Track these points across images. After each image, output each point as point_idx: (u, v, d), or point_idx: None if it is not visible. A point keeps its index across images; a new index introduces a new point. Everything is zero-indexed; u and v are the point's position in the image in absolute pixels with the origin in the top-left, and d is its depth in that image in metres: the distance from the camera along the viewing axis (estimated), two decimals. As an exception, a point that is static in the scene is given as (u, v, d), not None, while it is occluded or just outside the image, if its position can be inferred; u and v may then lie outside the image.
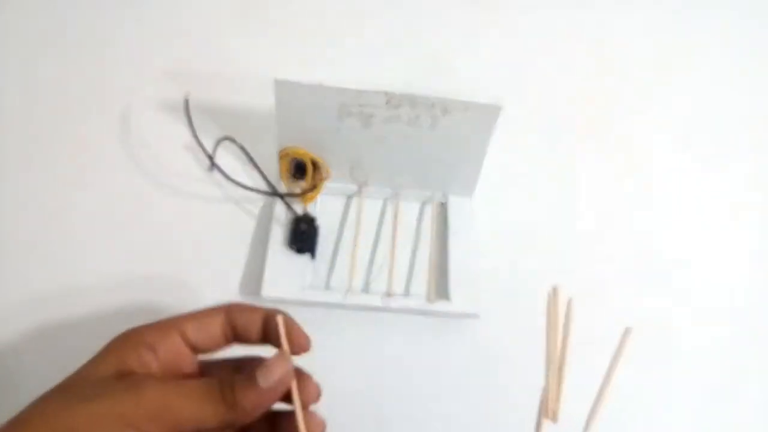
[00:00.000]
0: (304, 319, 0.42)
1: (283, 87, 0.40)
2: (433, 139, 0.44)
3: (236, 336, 0.30)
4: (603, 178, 0.55)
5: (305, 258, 0.44)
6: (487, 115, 0.42)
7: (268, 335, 0.30)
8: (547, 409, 0.41)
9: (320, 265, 0.46)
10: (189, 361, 0.30)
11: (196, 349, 0.30)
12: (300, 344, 0.30)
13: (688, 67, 0.65)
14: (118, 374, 0.27)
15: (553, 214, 0.51)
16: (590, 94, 0.61)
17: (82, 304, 0.42)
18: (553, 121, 0.58)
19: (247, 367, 0.30)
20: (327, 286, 0.45)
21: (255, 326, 0.30)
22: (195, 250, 0.46)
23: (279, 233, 0.45)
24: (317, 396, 0.30)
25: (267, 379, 0.27)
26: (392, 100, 0.41)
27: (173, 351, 0.29)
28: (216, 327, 0.30)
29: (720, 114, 0.62)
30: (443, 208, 0.49)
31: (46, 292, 0.43)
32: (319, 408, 0.29)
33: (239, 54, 0.59)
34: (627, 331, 0.44)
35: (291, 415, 0.28)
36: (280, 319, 0.29)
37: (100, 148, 0.51)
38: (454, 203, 0.49)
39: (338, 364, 0.42)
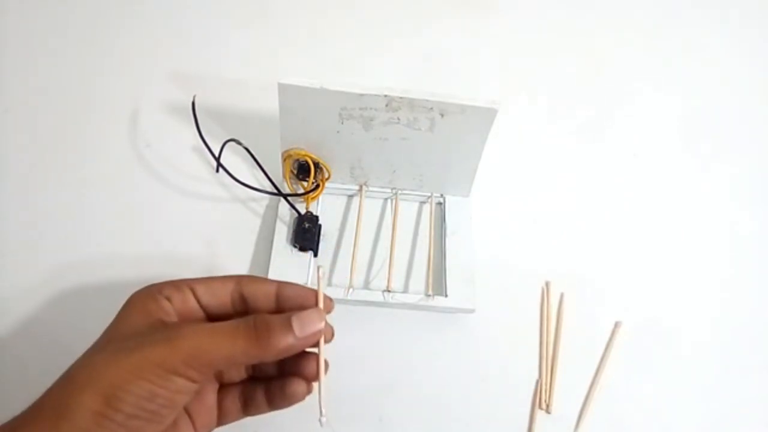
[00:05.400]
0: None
1: (286, 90, 0.41)
2: (432, 140, 0.44)
3: (246, 306, 0.31)
4: (596, 176, 0.55)
5: (308, 255, 0.45)
6: (483, 117, 0.42)
7: (282, 306, 0.31)
8: (540, 401, 0.42)
9: (322, 262, 0.46)
10: (201, 319, 0.30)
11: (206, 312, 0.30)
12: (326, 304, 0.31)
13: (685, 64, 0.66)
14: (150, 326, 0.28)
15: (547, 212, 0.52)
16: (585, 95, 0.62)
17: (90, 304, 0.43)
18: (549, 121, 0.59)
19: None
20: (329, 283, 0.46)
21: (267, 297, 0.31)
22: (202, 249, 0.47)
23: (283, 232, 0.46)
24: (332, 337, 0.32)
25: (303, 330, 0.28)
26: (392, 103, 0.41)
27: (187, 305, 0.30)
28: (225, 293, 0.30)
29: (718, 109, 0.62)
30: (440, 208, 0.50)
31: (55, 292, 0.43)
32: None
33: (244, 58, 0.60)
34: (617, 325, 0.46)
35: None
36: (320, 271, 0.31)
37: (108, 151, 0.51)
38: (451, 203, 0.50)
39: (340, 357, 0.42)
